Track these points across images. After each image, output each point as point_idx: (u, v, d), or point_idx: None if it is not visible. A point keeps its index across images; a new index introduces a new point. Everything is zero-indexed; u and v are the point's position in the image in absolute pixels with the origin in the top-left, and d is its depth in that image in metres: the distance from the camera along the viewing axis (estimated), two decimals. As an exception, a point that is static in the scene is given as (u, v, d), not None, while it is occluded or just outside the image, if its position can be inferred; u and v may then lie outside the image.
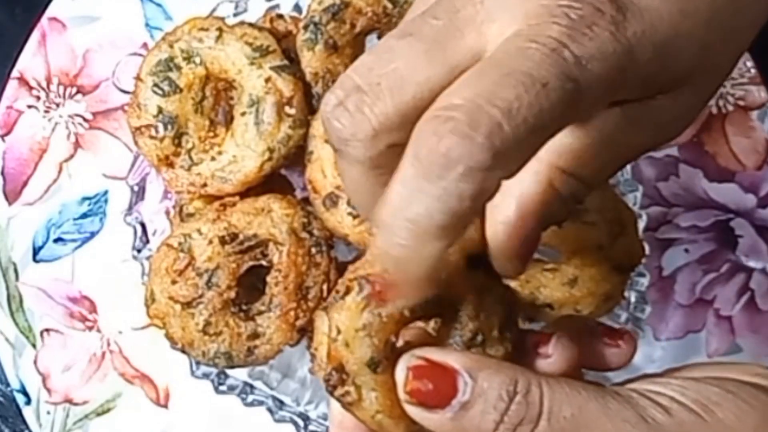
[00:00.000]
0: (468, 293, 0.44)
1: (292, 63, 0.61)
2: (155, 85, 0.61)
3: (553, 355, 0.45)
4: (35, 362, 0.75)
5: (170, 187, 0.63)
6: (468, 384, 0.38)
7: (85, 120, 0.77)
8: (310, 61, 0.62)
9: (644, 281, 0.66)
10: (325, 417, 0.67)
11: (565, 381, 0.39)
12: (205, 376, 0.65)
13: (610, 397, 0.39)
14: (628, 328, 0.65)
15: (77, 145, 0.77)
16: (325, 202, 0.59)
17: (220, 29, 0.61)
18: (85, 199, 0.77)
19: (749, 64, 0.77)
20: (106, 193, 0.77)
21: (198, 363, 0.64)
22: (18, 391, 0.75)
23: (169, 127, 0.61)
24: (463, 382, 0.38)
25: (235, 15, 0.67)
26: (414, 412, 0.39)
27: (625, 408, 0.38)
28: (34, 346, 0.75)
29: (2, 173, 0.77)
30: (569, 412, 0.38)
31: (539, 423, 0.37)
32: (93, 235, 0.77)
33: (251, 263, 0.60)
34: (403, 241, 0.34)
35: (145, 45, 0.77)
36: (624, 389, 0.40)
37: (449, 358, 0.39)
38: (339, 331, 0.41)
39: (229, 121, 0.62)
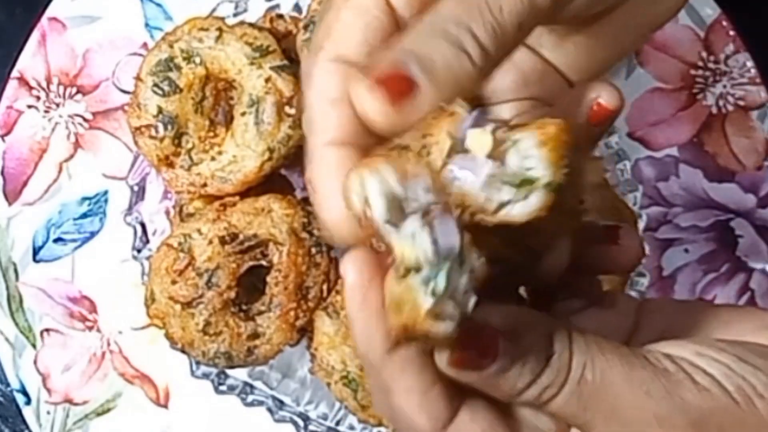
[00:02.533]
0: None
1: (292, 63, 0.61)
2: (155, 85, 0.61)
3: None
4: (35, 362, 0.75)
5: (170, 187, 0.63)
6: (508, 348, 0.37)
7: (85, 120, 0.77)
8: (310, 61, 0.62)
9: (644, 281, 0.66)
10: (325, 417, 0.67)
11: (595, 341, 0.38)
12: (205, 376, 0.65)
13: (640, 365, 0.37)
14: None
15: (77, 145, 0.77)
16: (325, 202, 0.59)
17: (220, 29, 0.61)
18: (85, 199, 0.77)
19: (749, 64, 0.77)
20: (106, 193, 0.77)
21: (198, 363, 0.64)
22: (18, 391, 0.75)
23: (169, 127, 0.61)
24: (504, 346, 0.37)
25: (235, 15, 0.67)
26: (448, 370, 0.37)
27: (653, 379, 0.37)
28: (34, 346, 0.75)
29: (2, 173, 0.77)
30: (590, 376, 0.37)
31: (563, 388, 0.37)
32: (93, 235, 0.77)
33: (251, 263, 0.60)
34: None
35: (145, 45, 0.77)
36: (664, 357, 0.38)
37: (490, 315, 0.37)
38: None
39: (229, 121, 0.62)
